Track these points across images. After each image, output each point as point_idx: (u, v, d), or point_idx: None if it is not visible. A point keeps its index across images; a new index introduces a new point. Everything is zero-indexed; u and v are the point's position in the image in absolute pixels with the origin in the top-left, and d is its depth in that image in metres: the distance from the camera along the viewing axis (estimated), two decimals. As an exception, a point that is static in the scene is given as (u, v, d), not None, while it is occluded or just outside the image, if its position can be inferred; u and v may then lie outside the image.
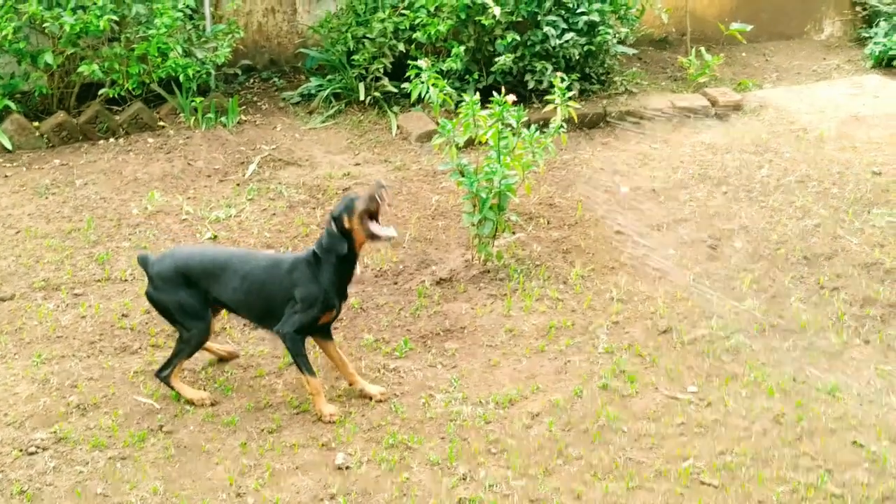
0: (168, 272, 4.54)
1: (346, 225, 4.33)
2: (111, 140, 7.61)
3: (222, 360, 4.93)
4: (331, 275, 4.39)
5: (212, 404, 4.56)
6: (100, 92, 7.67)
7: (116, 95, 7.66)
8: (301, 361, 4.41)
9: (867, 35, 10.16)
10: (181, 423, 4.45)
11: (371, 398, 4.60)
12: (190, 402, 4.56)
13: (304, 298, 4.39)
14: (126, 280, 5.66)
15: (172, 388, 4.60)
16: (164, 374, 4.60)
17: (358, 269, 4.54)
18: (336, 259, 4.37)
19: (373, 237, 4.34)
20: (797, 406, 4.53)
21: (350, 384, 4.65)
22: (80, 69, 7.34)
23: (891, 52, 9.51)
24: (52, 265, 5.82)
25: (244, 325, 5.22)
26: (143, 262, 4.63)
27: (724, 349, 5.00)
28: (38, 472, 4.12)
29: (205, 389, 4.68)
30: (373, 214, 4.31)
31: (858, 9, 10.51)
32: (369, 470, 4.14)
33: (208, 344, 4.75)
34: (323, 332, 4.56)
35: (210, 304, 4.57)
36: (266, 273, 4.51)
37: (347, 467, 4.15)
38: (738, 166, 7.21)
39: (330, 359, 4.64)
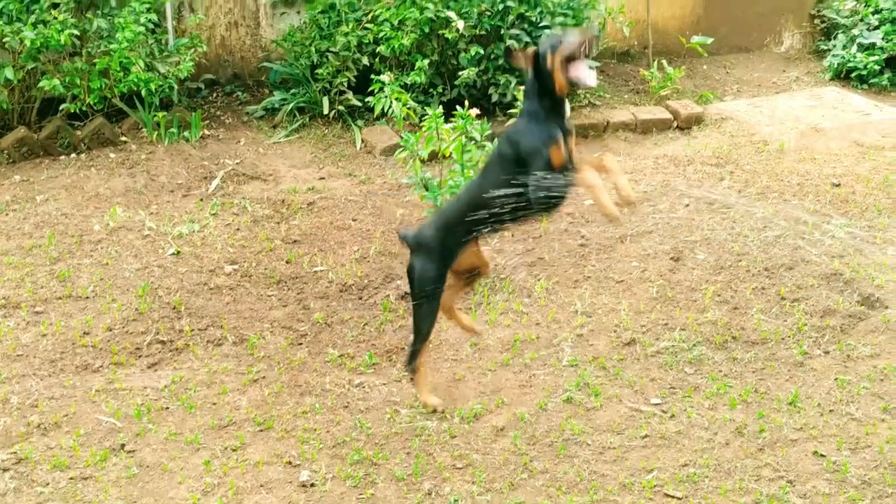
0: (416, 239, 4.53)
1: (549, 64, 4.20)
2: (72, 155, 7.54)
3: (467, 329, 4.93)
4: (542, 115, 4.25)
5: (434, 411, 4.58)
6: (61, 107, 7.60)
7: (78, 110, 7.59)
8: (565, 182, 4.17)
9: (826, 48, 10.31)
10: (144, 441, 4.41)
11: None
12: (424, 405, 4.60)
13: (528, 150, 4.21)
14: (87, 297, 5.60)
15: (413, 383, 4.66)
16: (410, 366, 4.62)
17: (567, 107, 4.42)
18: (541, 100, 4.26)
19: (571, 82, 4.20)
20: (758, 417, 4.57)
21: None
22: (40, 84, 7.27)
23: (849, 65, 9.65)
24: (12, 282, 5.75)
25: (208, 341, 5.19)
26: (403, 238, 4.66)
27: (687, 361, 5.04)
28: (-3, 493, 4.08)
29: (167, 408, 4.65)
30: (572, 60, 4.18)
31: (817, 21, 10.66)
32: (334, 486, 4.13)
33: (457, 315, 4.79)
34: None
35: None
36: (494, 163, 4.39)
37: (312, 484, 4.13)
38: (700, 178, 7.29)
39: None
